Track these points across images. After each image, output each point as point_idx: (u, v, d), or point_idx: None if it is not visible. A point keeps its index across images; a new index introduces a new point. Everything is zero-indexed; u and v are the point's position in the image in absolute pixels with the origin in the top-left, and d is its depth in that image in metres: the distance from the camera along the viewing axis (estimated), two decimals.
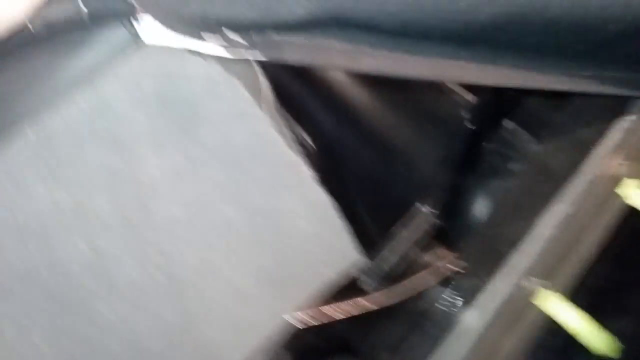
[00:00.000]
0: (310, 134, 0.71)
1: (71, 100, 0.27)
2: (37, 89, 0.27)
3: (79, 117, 0.27)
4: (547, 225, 0.41)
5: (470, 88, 0.52)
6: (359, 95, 0.63)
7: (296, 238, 0.34)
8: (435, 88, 0.55)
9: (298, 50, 0.30)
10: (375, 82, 0.62)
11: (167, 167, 0.29)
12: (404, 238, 0.50)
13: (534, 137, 0.50)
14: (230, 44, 0.28)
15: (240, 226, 0.32)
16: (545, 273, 0.41)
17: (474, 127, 0.50)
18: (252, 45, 0.29)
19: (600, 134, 0.43)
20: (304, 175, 0.32)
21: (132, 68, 0.27)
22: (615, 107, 0.43)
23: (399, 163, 0.58)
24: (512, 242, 0.42)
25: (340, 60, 0.32)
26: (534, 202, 0.43)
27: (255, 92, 0.30)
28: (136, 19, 0.27)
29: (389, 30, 0.31)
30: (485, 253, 0.44)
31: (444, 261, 0.45)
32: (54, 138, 0.27)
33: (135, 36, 0.27)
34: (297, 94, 0.68)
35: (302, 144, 0.74)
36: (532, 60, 0.35)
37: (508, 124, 0.53)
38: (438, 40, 0.32)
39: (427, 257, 0.47)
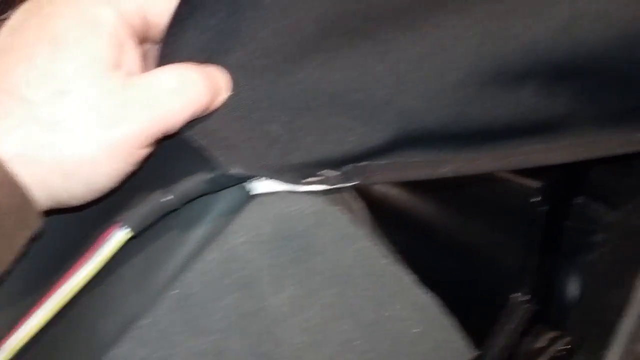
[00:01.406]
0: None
1: (203, 258, 0.31)
2: (175, 253, 0.31)
3: (211, 270, 0.30)
4: None
5: (531, 173, 0.55)
6: (426, 209, 0.66)
7: (409, 341, 0.36)
8: (495, 182, 0.58)
9: (384, 171, 0.34)
10: (438, 193, 0.66)
11: (288, 298, 0.32)
12: (507, 331, 0.51)
13: (607, 206, 0.51)
14: (327, 180, 0.32)
15: (357, 339, 0.34)
16: None
17: (546, 210, 0.52)
18: (345, 175, 0.33)
19: None
20: (406, 281, 0.35)
21: (249, 218, 0.31)
22: None
23: (484, 263, 0.59)
24: (615, 310, 0.43)
25: (421, 171, 0.35)
26: (626, 267, 0.44)
27: (354, 215, 0.34)
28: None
29: (466, 134, 0.35)
30: (587, 326, 0.45)
31: (552, 343, 0.45)
32: (192, 292, 0.30)
33: (246, 190, 0.31)
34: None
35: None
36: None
37: (578, 199, 0.55)
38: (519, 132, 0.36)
39: (534, 344, 0.48)
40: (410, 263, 0.72)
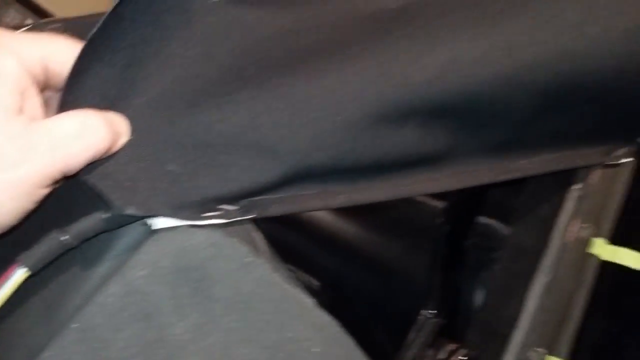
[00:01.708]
0: (311, 274, 0.77)
1: (103, 292, 0.32)
2: (77, 288, 0.33)
3: (111, 303, 0.32)
4: (534, 298, 0.46)
5: (439, 195, 0.59)
6: (343, 228, 0.69)
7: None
8: (405, 204, 0.61)
9: (280, 204, 0.37)
10: (355, 213, 0.69)
11: (190, 325, 0.34)
12: (414, 345, 0.54)
13: (503, 224, 0.55)
14: (226, 214, 0.35)
15: None
16: (545, 342, 0.45)
17: (449, 229, 0.55)
18: (242, 209, 0.36)
19: (558, 206, 0.49)
20: (306, 304, 0.37)
21: (149, 252, 0.33)
22: (562, 180, 0.50)
23: (399, 281, 0.63)
24: (509, 321, 0.47)
25: (316, 203, 0.38)
26: (518, 281, 0.48)
27: (253, 245, 0.36)
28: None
29: (358, 167, 0.38)
30: (485, 338, 0.49)
31: (452, 354, 0.49)
32: (94, 324, 0.32)
33: (147, 225, 0.33)
34: (293, 242, 0.75)
35: (307, 286, 0.80)
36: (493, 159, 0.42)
37: (479, 218, 0.59)
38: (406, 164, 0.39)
39: (436, 356, 0.51)
40: (332, 282, 0.75)
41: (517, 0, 0.39)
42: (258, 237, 0.37)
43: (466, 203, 0.56)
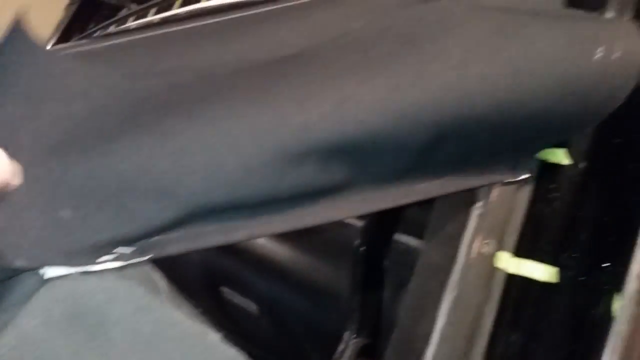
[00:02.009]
0: (248, 297, 0.78)
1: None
2: None
3: (5, 354, 0.33)
4: (443, 314, 0.48)
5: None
6: (278, 251, 0.70)
7: None
8: (334, 225, 0.62)
9: (178, 243, 0.38)
10: (288, 236, 0.70)
11: None
12: None
13: (419, 242, 0.57)
14: (122, 256, 0.35)
15: None
16: (457, 356, 0.47)
17: (367, 248, 0.57)
18: (139, 250, 0.37)
19: (463, 224, 0.51)
20: (212, 339, 0.38)
21: (41, 301, 0.33)
22: (468, 199, 0.52)
23: (324, 301, 0.64)
24: (423, 339, 0.48)
25: (216, 239, 0.39)
26: (430, 298, 0.50)
27: (150, 286, 0.37)
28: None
29: (257, 204, 0.39)
30: (402, 355, 0.50)
31: None
32: None
33: (40, 275, 0.34)
34: (229, 266, 0.76)
35: (244, 310, 0.81)
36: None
37: (399, 236, 0.60)
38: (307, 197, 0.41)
39: None
40: (268, 304, 0.75)
41: (406, 41, 0.41)
42: (157, 277, 0.38)
43: (383, 222, 0.58)
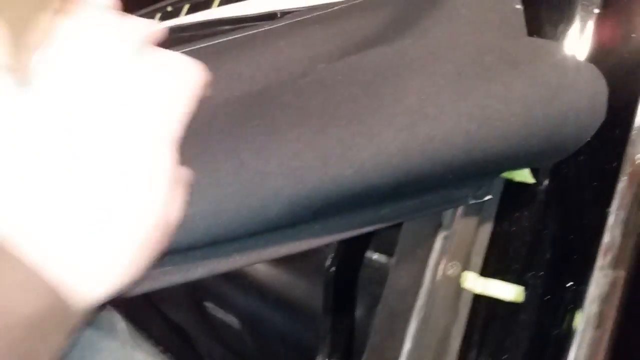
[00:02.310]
0: (231, 312, 0.78)
1: None
2: None
3: None
4: (410, 337, 0.49)
5: None
6: (261, 269, 0.71)
7: None
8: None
9: (139, 283, 0.38)
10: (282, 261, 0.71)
11: None
12: None
13: (389, 259, 0.58)
14: None
15: None
16: None
17: (337, 269, 0.58)
18: None
19: (429, 246, 0.52)
20: None
21: None
22: (434, 220, 0.52)
23: (301, 321, 0.65)
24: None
25: (176, 277, 0.40)
26: (399, 320, 0.51)
27: (109, 328, 0.37)
28: None
29: (214, 243, 0.40)
30: None
31: None
32: None
33: None
34: (213, 282, 0.76)
35: (228, 325, 0.81)
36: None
37: (370, 254, 0.61)
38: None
39: None
40: (250, 321, 0.76)
41: (364, 88, 0.40)
42: (117, 319, 0.39)
43: (353, 243, 0.59)
